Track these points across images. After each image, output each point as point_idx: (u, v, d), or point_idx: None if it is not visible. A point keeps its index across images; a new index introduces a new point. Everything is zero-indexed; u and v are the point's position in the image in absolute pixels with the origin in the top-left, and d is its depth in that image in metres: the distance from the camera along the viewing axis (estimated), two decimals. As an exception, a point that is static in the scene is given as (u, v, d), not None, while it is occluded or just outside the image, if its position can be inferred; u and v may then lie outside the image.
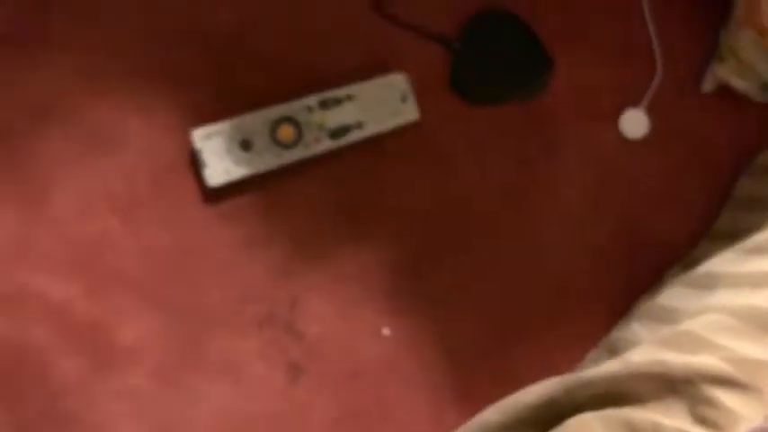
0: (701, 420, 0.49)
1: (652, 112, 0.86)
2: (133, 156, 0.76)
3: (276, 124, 0.76)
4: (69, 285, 0.73)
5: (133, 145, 0.76)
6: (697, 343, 0.54)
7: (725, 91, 0.86)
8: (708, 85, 0.87)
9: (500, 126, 0.84)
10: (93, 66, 0.76)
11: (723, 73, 0.85)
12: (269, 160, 0.75)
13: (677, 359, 0.51)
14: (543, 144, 0.84)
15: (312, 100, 0.77)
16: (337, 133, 0.77)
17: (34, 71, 0.75)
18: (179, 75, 0.77)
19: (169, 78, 0.77)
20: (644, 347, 0.57)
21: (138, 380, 0.74)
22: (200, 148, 0.74)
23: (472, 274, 0.81)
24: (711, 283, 0.66)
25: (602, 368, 0.55)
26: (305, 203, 0.79)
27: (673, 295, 0.72)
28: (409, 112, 0.80)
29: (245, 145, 0.75)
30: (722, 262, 0.68)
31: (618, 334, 0.79)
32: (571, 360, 0.82)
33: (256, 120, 0.75)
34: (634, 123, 0.86)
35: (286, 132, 0.76)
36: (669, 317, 0.68)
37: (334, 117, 0.77)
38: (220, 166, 0.74)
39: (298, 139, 0.76)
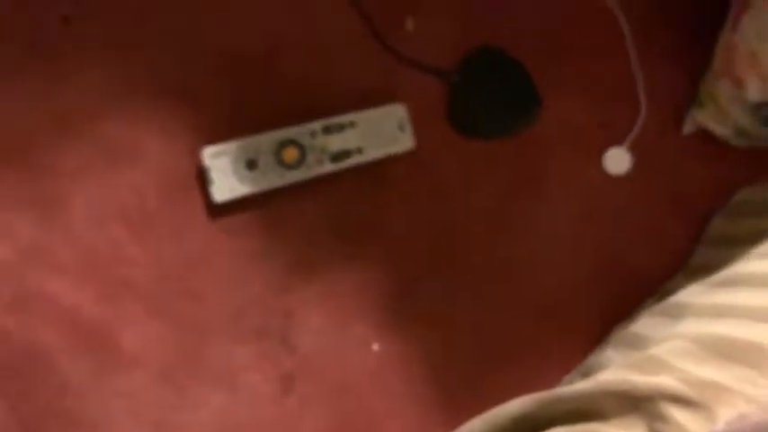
0: None
1: (635, 150, 0.87)
2: (146, 171, 0.76)
3: (281, 146, 0.76)
4: (80, 291, 0.74)
5: (147, 161, 0.76)
6: (659, 366, 0.56)
7: (704, 133, 0.87)
8: (688, 128, 0.88)
9: (490, 158, 0.85)
10: (116, 84, 0.76)
11: (702, 118, 0.86)
12: (272, 180, 0.76)
13: (641, 379, 0.54)
14: (531, 176, 0.86)
15: (316, 125, 0.78)
16: (338, 157, 0.78)
17: (60, 86, 0.75)
18: (195, 96, 0.78)
19: (186, 100, 0.78)
20: (613, 369, 0.60)
21: (139, 383, 0.74)
22: (208, 166, 0.75)
23: (458, 297, 0.82)
24: (680, 313, 0.68)
25: (575, 386, 0.57)
26: (304, 222, 0.79)
27: (645, 324, 0.74)
28: (406, 141, 0.81)
29: (251, 164, 0.76)
30: (691, 294, 0.71)
31: (593, 359, 0.80)
32: (550, 382, 0.83)
33: (263, 141, 0.76)
34: (617, 160, 0.87)
35: (290, 154, 0.77)
36: (640, 343, 0.70)
37: (336, 142, 0.78)
38: (226, 184, 0.75)
39: (301, 161, 0.77)
